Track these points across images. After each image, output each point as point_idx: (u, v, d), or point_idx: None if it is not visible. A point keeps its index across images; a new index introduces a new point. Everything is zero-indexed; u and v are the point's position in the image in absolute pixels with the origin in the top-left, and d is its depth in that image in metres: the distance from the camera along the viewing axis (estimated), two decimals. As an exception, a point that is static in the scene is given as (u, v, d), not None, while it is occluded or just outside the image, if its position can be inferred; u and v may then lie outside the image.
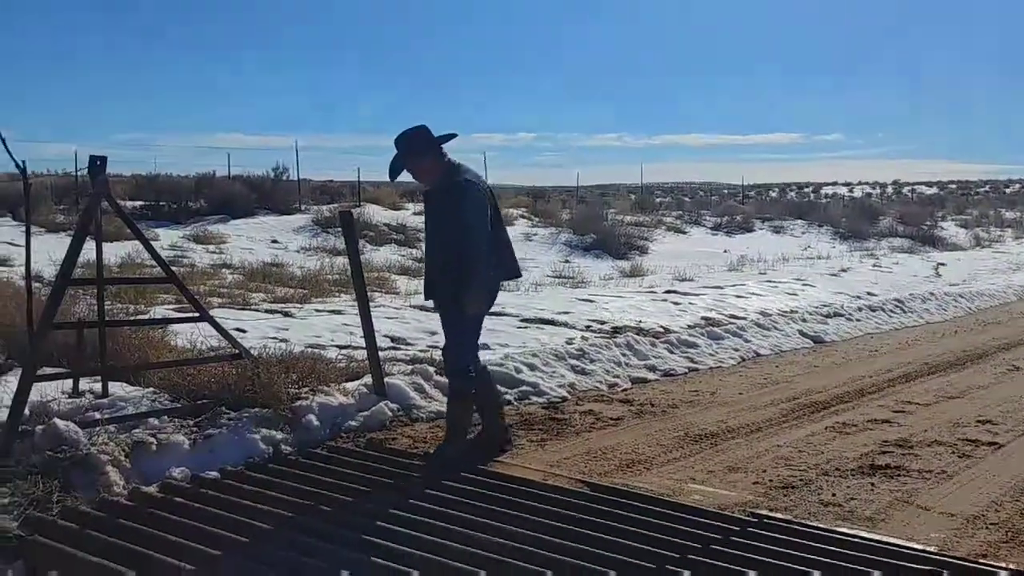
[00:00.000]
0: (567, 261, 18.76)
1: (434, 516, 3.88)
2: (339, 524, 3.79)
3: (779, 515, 4.05)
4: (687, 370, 7.68)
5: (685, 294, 11.82)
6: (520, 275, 5.34)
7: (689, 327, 9.13)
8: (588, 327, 8.94)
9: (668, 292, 12.10)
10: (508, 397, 6.29)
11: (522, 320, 9.28)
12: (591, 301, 10.89)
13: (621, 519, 3.88)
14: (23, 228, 5.63)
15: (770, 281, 13.93)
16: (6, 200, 20.97)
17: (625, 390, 6.89)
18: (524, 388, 6.50)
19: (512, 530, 3.70)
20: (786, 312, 10.49)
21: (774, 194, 56.33)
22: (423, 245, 5.43)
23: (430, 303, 5.35)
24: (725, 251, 21.41)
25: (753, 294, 12.09)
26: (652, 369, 7.52)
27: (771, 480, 4.65)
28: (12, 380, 4.91)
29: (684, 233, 25.85)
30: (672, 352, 8.08)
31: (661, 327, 9.01)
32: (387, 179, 5.15)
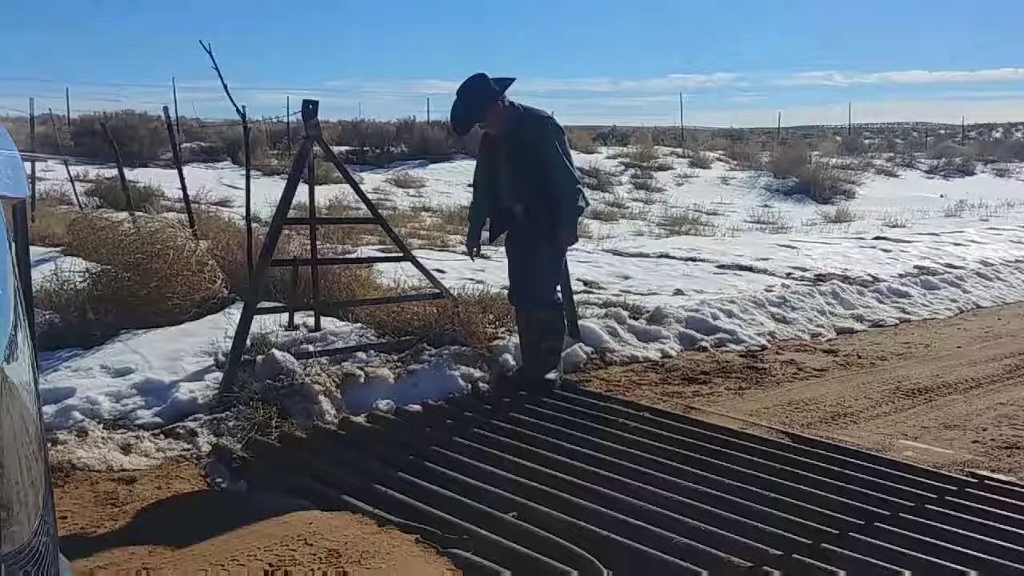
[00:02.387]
0: (766, 206, 18.12)
1: (624, 457, 3.86)
2: (536, 460, 3.84)
3: (1002, 476, 3.76)
4: (898, 321, 7.23)
5: (896, 241, 11.13)
6: (589, 204, 5.42)
7: (900, 276, 8.60)
8: (789, 274, 8.58)
9: (877, 239, 11.44)
10: (704, 343, 6.16)
11: (719, 266, 9.04)
12: (792, 247, 10.45)
13: (825, 472, 3.72)
14: (242, 171, 5.99)
15: (992, 228, 12.91)
16: (226, 145, 22.52)
17: (829, 340, 6.58)
18: (721, 335, 6.33)
19: (711, 478, 3.63)
20: (1010, 261, 9.68)
21: (998, 134, 51.79)
22: (474, 188, 5.33)
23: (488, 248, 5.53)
24: (941, 196, 20.01)
25: (973, 241, 11.23)
26: (859, 319, 7.14)
27: (992, 439, 4.32)
28: (234, 313, 5.27)
29: (895, 176, 24.35)
30: (881, 302, 7.64)
31: (869, 275, 8.53)
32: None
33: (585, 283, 7.90)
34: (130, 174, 12.44)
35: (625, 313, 6.31)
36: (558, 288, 5.14)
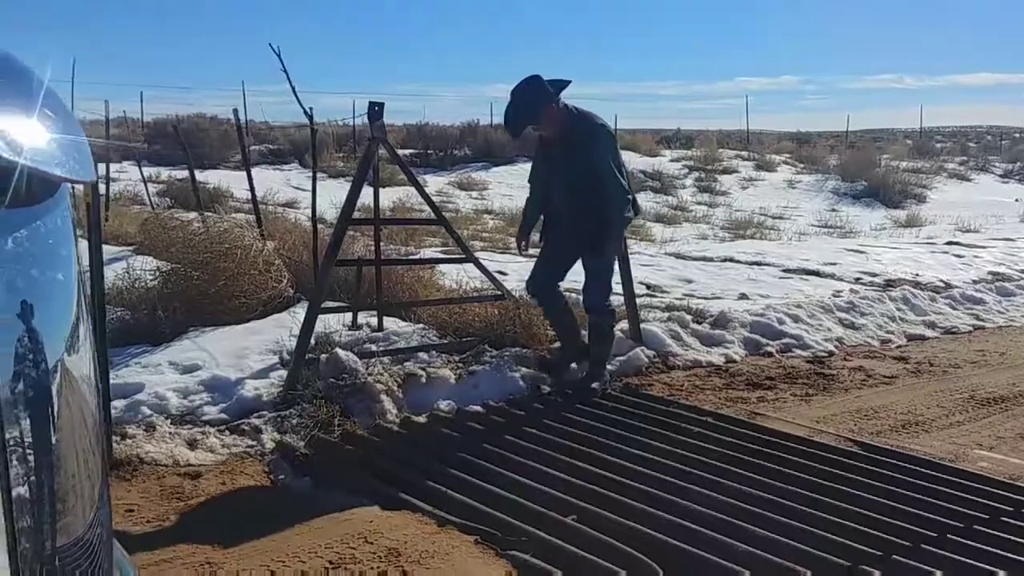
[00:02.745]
0: (834, 210, 17.79)
1: (686, 462, 3.80)
2: (596, 463, 3.80)
3: (1084, 492, 3.61)
4: (972, 328, 7.02)
5: (969, 246, 10.82)
6: (640, 211, 5.43)
7: (974, 282, 8.35)
8: (858, 279, 8.40)
9: (949, 244, 11.14)
10: (769, 348, 6.05)
11: (784, 271, 8.88)
12: (861, 252, 10.23)
13: (896, 482, 3.62)
14: (308, 174, 6.07)
15: (1072, 234, 12.47)
16: (293, 147, 22.89)
17: (900, 347, 6.41)
18: (787, 340, 6.21)
19: (776, 485, 3.55)
20: (1092, 268, 9.33)
21: (1078, 137, 50.09)
22: (530, 190, 5.31)
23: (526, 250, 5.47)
24: (1016, 200, 19.41)
25: (1051, 247, 10.87)
26: (931, 326, 6.94)
27: (1074, 452, 4.16)
28: (299, 312, 5.33)
29: (968, 180, 23.72)
30: (954, 308, 7.43)
31: (941, 281, 8.30)
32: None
33: (648, 287, 7.82)
34: (200, 175, 12.74)
35: (688, 317, 6.22)
36: (610, 294, 5.10)
